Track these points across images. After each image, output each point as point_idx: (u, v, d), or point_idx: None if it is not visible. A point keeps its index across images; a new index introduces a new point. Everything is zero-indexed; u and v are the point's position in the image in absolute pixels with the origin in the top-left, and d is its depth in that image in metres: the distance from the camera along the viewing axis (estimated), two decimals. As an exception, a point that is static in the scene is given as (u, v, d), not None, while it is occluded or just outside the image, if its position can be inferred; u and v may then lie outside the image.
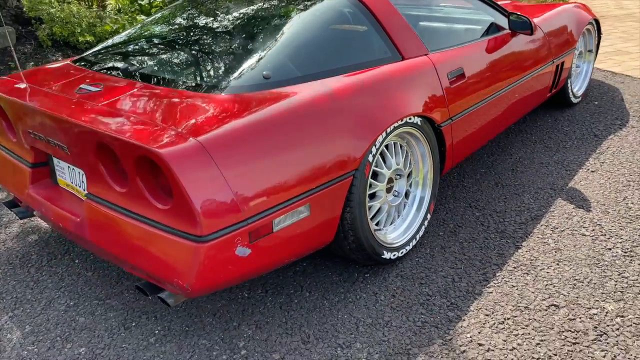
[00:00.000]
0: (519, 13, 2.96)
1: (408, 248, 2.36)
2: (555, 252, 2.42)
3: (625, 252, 2.39)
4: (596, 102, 4.21)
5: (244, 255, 1.73)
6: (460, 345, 1.92)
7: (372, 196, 2.24)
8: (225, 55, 2.12)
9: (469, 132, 2.64)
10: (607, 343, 1.91)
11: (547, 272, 2.28)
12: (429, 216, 2.46)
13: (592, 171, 3.14)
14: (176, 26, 2.50)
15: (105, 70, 2.26)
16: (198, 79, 2.03)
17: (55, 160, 2.17)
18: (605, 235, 2.52)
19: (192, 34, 2.36)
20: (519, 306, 2.10)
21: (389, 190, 2.28)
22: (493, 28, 3.00)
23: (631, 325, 1.98)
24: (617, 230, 2.55)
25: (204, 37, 2.31)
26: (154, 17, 2.77)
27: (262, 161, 1.74)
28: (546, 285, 2.21)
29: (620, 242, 2.46)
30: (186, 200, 1.58)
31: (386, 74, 2.19)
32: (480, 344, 1.93)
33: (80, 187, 2.08)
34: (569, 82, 3.84)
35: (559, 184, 3.01)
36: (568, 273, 2.27)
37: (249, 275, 1.79)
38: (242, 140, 1.71)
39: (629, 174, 3.08)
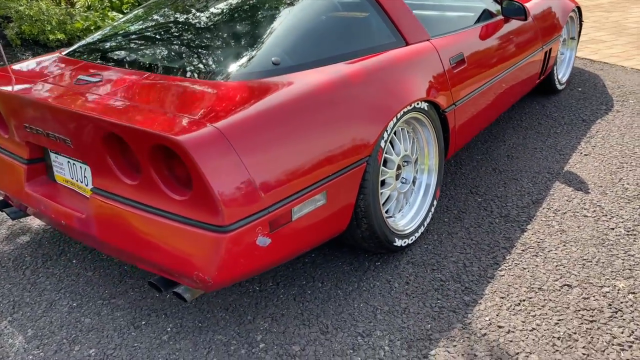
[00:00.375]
0: (512, -1, 2.98)
1: (417, 235, 2.35)
2: (561, 233, 2.44)
3: (628, 231, 2.43)
4: (579, 89, 4.28)
5: (264, 245, 1.68)
6: (481, 329, 1.92)
7: (382, 184, 2.21)
8: (233, 41, 2.06)
9: (470, 117, 2.65)
10: (623, 319, 1.92)
11: (555, 254, 2.30)
12: (435, 202, 2.45)
13: (585, 154, 3.18)
14: (176, 13, 2.42)
15: (102, 61, 2.17)
16: (205, 66, 1.97)
17: (52, 155, 2.08)
18: (606, 215, 2.56)
19: (195, 20, 2.29)
20: (532, 287, 2.11)
21: (397, 177, 2.26)
22: (486, 14, 3.00)
23: (644, 301, 2.00)
24: (617, 211, 2.59)
25: (208, 23, 2.24)
26: (148, 3, 2.68)
27: (279, 148, 1.69)
28: (556, 266, 2.22)
29: (622, 222, 2.50)
30: (207, 189, 1.52)
31: (393, 59, 2.16)
32: (500, 326, 1.92)
33: (82, 182, 1.99)
34: (555, 68, 3.89)
35: (554, 167, 3.04)
36: (576, 253, 2.29)
37: (268, 265, 1.74)
38: (259, 126, 1.66)
39: (621, 156, 3.14)
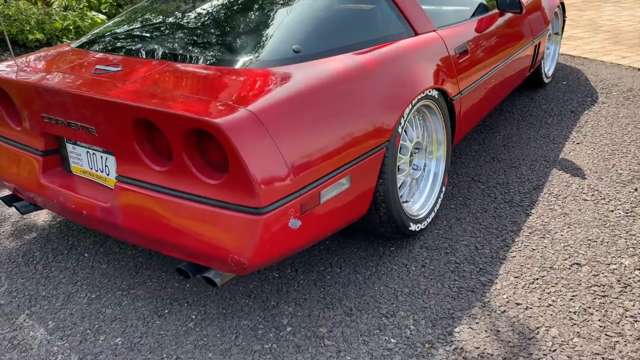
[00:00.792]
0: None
1: (429, 220, 2.41)
2: (564, 216, 2.53)
3: (627, 213, 2.53)
4: (564, 82, 4.43)
5: (295, 227, 1.71)
6: (500, 306, 1.98)
7: (397, 170, 2.26)
8: (253, 30, 2.08)
9: (474, 105, 2.72)
10: (633, 293, 2.02)
11: (562, 235, 2.39)
12: (444, 189, 2.51)
13: (578, 143, 3.30)
14: (190, 2, 2.42)
15: (117, 52, 2.16)
16: (227, 54, 1.98)
17: (69, 146, 2.06)
18: (605, 199, 2.66)
19: (211, 9, 2.30)
20: (544, 267, 2.18)
21: (409, 164, 2.31)
22: (481, 7, 3.09)
23: (651, 276, 2.10)
24: (614, 194, 2.70)
25: (226, 12, 2.26)
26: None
27: (308, 132, 1.72)
28: (564, 246, 2.31)
29: (620, 204, 2.61)
30: (244, 171, 1.54)
31: (406, 48, 2.22)
32: (517, 303, 1.99)
33: (102, 172, 1.99)
34: (542, 62, 4.02)
35: (550, 155, 3.15)
36: (581, 234, 2.38)
37: (298, 248, 1.77)
38: (289, 110, 1.69)
39: (612, 144, 3.27)
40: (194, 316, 2.00)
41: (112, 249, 2.42)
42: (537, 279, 2.12)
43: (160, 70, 1.92)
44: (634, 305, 1.95)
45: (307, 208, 1.73)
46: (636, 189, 2.74)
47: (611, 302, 1.98)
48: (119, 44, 2.23)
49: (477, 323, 1.91)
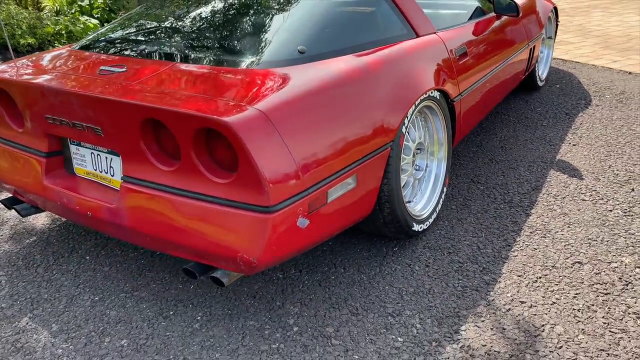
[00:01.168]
0: (502, -4, 3.11)
1: (431, 220, 2.42)
2: (563, 216, 2.56)
3: (625, 212, 2.57)
4: (557, 85, 4.48)
5: (303, 226, 1.71)
6: (504, 304, 1.99)
7: (399, 170, 2.28)
8: (257, 31, 2.09)
9: (473, 107, 2.75)
10: (635, 291, 2.04)
11: (562, 234, 2.41)
12: (445, 189, 2.53)
13: (574, 145, 3.34)
14: (196, 3, 2.43)
15: (121, 53, 2.16)
16: (232, 55, 1.99)
17: (73, 147, 2.05)
18: (603, 199, 2.70)
19: (218, 10, 2.30)
20: (546, 266, 2.20)
21: (412, 164, 2.33)
22: (478, 11, 3.13)
23: (652, 273, 2.13)
24: (612, 194, 2.73)
25: (233, 13, 2.26)
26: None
27: (315, 132, 1.73)
28: (565, 245, 2.33)
29: (619, 204, 2.64)
30: (254, 170, 1.54)
31: (409, 49, 2.24)
32: (522, 302, 2.01)
33: (107, 173, 1.98)
34: (536, 65, 4.06)
35: (547, 157, 3.18)
36: (581, 234, 2.41)
37: (305, 247, 1.77)
38: (296, 110, 1.69)
39: (607, 145, 3.31)
40: (199, 317, 1.99)
41: (114, 252, 2.41)
42: (540, 277, 2.14)
43: (166, 70, 1.92)
44: (636, 302, 1.98)
45: (315, 207, 1.74)
46: (633, 189, 2.77)
47: (614, 299, 2.00)
48: (123, 45, 2.23)
49: (483, 321, 1.92)
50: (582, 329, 1.86)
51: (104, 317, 2.01)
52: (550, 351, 1.77)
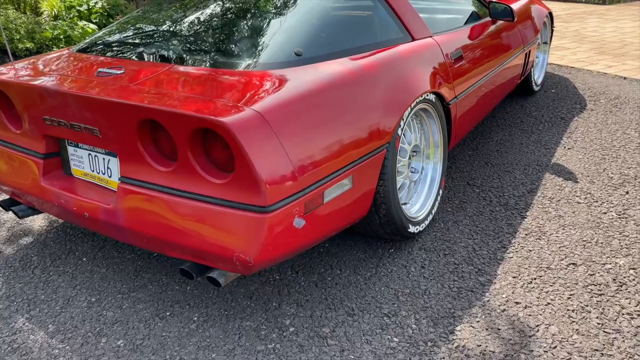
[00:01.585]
0: (497, 1, 3.14)
1: (427, 222, 2.43)
2: (558, 218, 2.57)
3: (620, 215, 2.59)
4: (553, 90, 4.51)
5: (300, 226, 1.72)
6: (500, 305, 2.01)
7: (395, 172, 2.29)
8: (256, 33, 2.11)
9: (469, 110, 2.77)
10: (629, 292, 2.05)
11: (557, 237, 2.43)
12: (441, 192, 2.55)
13: (569, 148, 3.36)
14: (191, 7, 2.45)
15: (119, 56, 2.18)
16: (229, 57, 2.01)
17: (70, 149, 2.07)
18: (597, 201, 2.72)
19: (216, 13, 2.32)
20: (541, 267, 2.22)
21: (407, 166, 2.34)
22: (474, 16, 3.16)
23: (645, 274, 2.15)
24: (606, 197, 2.75)
25: (230, 16, 2.28)
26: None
27: (312, 133, 1.75)
28: (559, 247, 2.35)
29: (613, 207, 2.66)
30: (250, 170, 1.56)
31: (405, 52, 2.26)
32: (517, 302, 2.02)
33: (104, 174, 1.99)
34: (532, 70, 4.09)
35: (542, 160, 3.20)
36: (575, 236, 2.43)
37: (301, 247, 1.79)
38: (293, 111, 1.71)
39: (601, 149, 3.33)
40: (195, 318, 2.00)
41: (110, 253, 2.42)
42: (535, 278, 2.15)
43: (164, 72, 1.93)
44: (629, 303, 1.99)
45: (311, 207, 1.75)
46: (627, 192, 2.79)
47: (608, 300, 2.02)
48: (121, 48, 2.25)
49: (478, 322, 1.93)
50: (577, 329, 1.87)
51: (100, 317, 2.02)
52: (544, 351, 1.78)
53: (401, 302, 2.04)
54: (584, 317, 1.93)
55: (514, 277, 2.16)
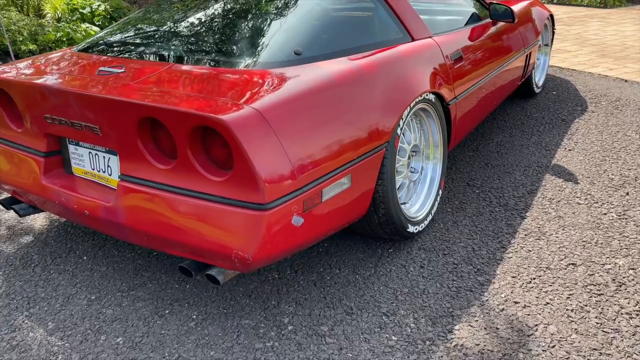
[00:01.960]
0: (498, 3, 3.15)
1: (426, 222, 2.43)
2: (558, 219, 2.57)
3: (620, 216, 2.58)
4: (554, 92, 4.52)
5: (298, 224, 1.73)
6: (498, 305, 2.01)
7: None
8: (256, 32, 2.12)
9: (469, 111, 2.77)
10: (628, 292, 2.05)
11: (557, 237, 2.43)
12: (440, 192, 2.55)
13: (569, 150, 3.36)
14: (195, 6, 2.46)
15: (120, 55, 2.19)
16: (229, 56, 2.02)
17: (71, 147, 2.08)
18: (597, 202, 2.71)
19: (216, 12, 2.33)
20: (540, 267, 2.22)
21: (407, 166, 2.35)
22: (474, 17, 3.16)
23: (645, 275, 2.14)
24: (606, 198, 2.75)
25: (230, 15, 2.29)
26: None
27: (310, 131, 1.75)
28: (559, 247, 2.35)
29: (613, 208, 2.66)
30: (249, 167, 1.56)
31: (404, 52, 2.27)
32: (515, 302, 2.02)
33: (104, 172, 2.00)
34: (533, 72, 4.10)
35: (543, 161, 3.20)
36: (575, 236, 2.43)
37: (299, 246, 1.79)
38: (292, 110, 1.72)
39: (602, 150, 3.33)
40: (194, 316, 2.00)
41: (110, 252, 2.43)
42: (534, 278, 2.15)
43: (164, 71, 1.94)
44: (629, 303, 1.99)
45: (309, 206, 1.76)
46: (628, 193, 2.79)
47: (607, 300, 2.01)
48: (122, 47, 2.26)
49: (477, 321, 1.93)
50: (576, 329, 1.87)
51: (100, 315, 2.02)
52: (543, 350, 1.78)
53: (400, 301, 2.04)
54: (583, 317, 1.93)
55: (513, 277, 2.16)
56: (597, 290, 2.07)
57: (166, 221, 1.76)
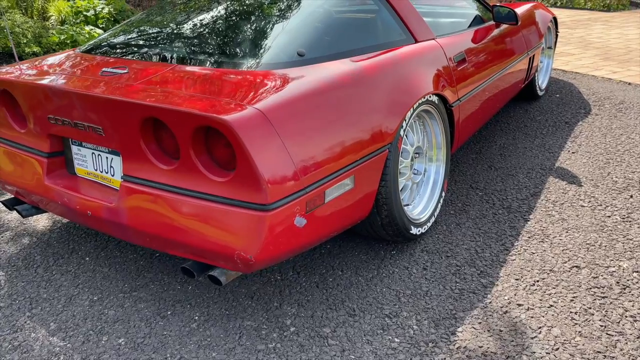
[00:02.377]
0: (502, 5, 3.15)
1: (429, 224, 2.43)
2: (562, 222, 2.56)
3: (624, 218, 2.57)
4: (557, 95, 4.51)
5: (301, 225, 1.72)
6: (502, 307, 2.00)
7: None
8: (259, 34, 2.12)
9: (472, 114, 2.77)
10: (632, 294, 2.04)
11: (560, 239, 2.42)
12: (443, 194, 2.54)
13: (573, 152, 3.35)
14: (194, 8, 2.46)
15: (123, 56, 2.19)
16: (232, 57, 2.02)
17: (74, 148, 2.08)
18: (601, 205, 2.70)
19: (219, 14, 2.34)
20: (544, 269, 2.21)
21: (410, 168, 2.34)
22: (477, 19, 3.16)
23: (649, 277, 2.13)
24: (610, 201, 2.74)
25: (233, 16, 2.29)
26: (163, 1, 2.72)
27: (313, 132, 1.75)
28: (563, 250, 2.34)
29: (617, 210, 2.65)
30: (252, 168, 1.56)
31: (408, 54, 2.27)
32: (519, 304, 2.01)
33: (107, 173, 2.00)
34: (536, 75, 4.09)
35: (546, 164, 3.19)
36: (579, 239, 2.42)
37: (302, 247, 1.78)
38: (295, 111, 1.71)
39: (606, 153, 3.32)
40: (196, 317, 2.00)
41: (113, 253, 2.42)
42: (538, 281, 2.14)
43: (167, 72, 1.94)
44: (633, 306, 1.98)
45: (312, 207, 1.75)
46: (632, 196, 2.78)
47: (611, 302, 2.00)
48: (125, 49, 2.26)
49: (480, 323, 1.92)
50: (579, 332, 1.86)
51: (102, 316, 2.02)
52: (546, 353, 1.77)
53: (402, 303, 2.03)
54: (586, 320, 1.92)
55: (516, 280, 2.15)
56: (601, 293, 2.06)
57: (169, 222, 1.76)
